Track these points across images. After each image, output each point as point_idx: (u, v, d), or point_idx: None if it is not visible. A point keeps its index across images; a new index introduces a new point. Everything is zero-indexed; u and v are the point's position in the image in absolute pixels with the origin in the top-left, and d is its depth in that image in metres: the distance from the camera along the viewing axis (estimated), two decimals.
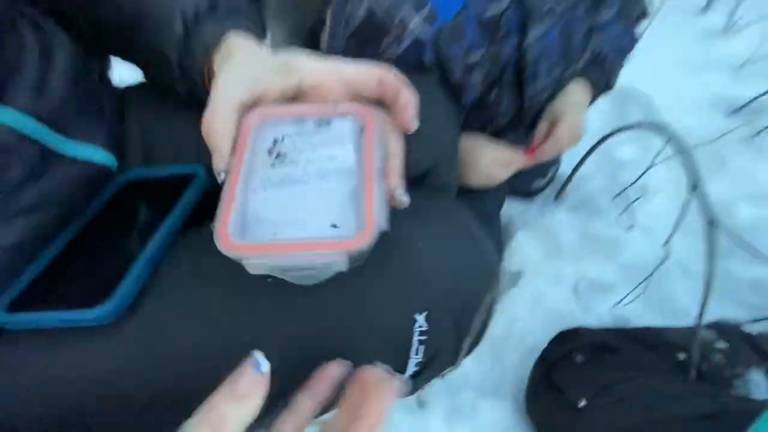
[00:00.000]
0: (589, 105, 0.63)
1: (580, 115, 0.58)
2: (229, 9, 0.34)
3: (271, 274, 0.25)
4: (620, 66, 0.66)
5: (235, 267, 0.25)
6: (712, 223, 0.58)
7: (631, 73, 1.06)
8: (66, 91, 0.32)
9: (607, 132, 0.76)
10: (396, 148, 0.28)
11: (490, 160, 0.58)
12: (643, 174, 0.81)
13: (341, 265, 0.24)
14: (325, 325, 0.29)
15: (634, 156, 0.94)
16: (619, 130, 0.71)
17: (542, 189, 0.93)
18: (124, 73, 0.43)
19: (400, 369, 0.31)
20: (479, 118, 0.55)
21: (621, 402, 0.57)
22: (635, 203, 0.84)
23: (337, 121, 0.28)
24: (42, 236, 0.32)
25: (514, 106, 0.53)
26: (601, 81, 0.62)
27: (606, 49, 0.58)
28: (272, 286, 0.28)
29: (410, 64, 0.43)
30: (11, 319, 0.27)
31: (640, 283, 0.72)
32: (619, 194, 0.85)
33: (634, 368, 0.63)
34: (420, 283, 0.30)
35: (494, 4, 0.36)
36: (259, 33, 0.35)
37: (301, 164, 0.27)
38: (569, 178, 0.85)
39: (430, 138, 0.39)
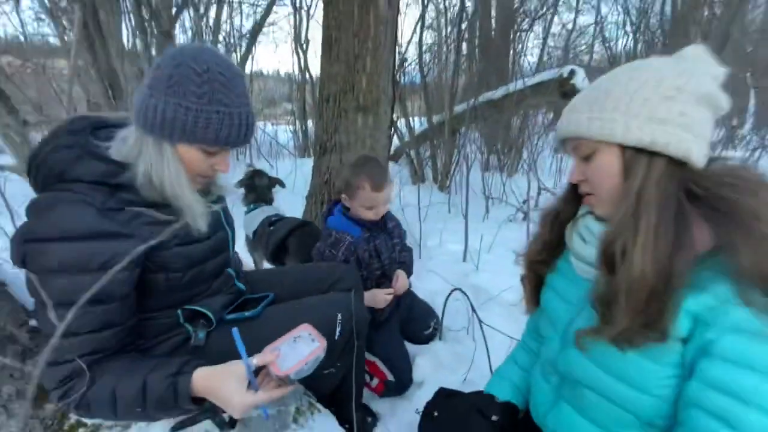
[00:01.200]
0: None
1: (402, 277, 1.38)
2: None
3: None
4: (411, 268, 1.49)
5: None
6: (473, 310, 1.28)
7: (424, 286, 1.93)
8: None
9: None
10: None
11: (372, 294, 1.31)
12: (469, 316, 1.54)
13: (278, 379, 0.76)
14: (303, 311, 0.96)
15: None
16: (452, 292, 1.48)
17: (431, 338, 1.59)
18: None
19: (333, 332, 0.95)
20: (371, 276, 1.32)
21: None
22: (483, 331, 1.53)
23: (317, 341, 0.80)
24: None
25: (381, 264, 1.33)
26: (407, 270, 1.45)
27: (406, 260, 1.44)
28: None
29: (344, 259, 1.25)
30: (228, 317, 0.92)
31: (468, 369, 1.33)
32: (467, 327, 1.54)
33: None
34: (337, 303, 1.00)
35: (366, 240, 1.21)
36: None
37: (297, 344, 0.79)
38: (440, 322, 1.55)
39: (344, 278, 1.15)
